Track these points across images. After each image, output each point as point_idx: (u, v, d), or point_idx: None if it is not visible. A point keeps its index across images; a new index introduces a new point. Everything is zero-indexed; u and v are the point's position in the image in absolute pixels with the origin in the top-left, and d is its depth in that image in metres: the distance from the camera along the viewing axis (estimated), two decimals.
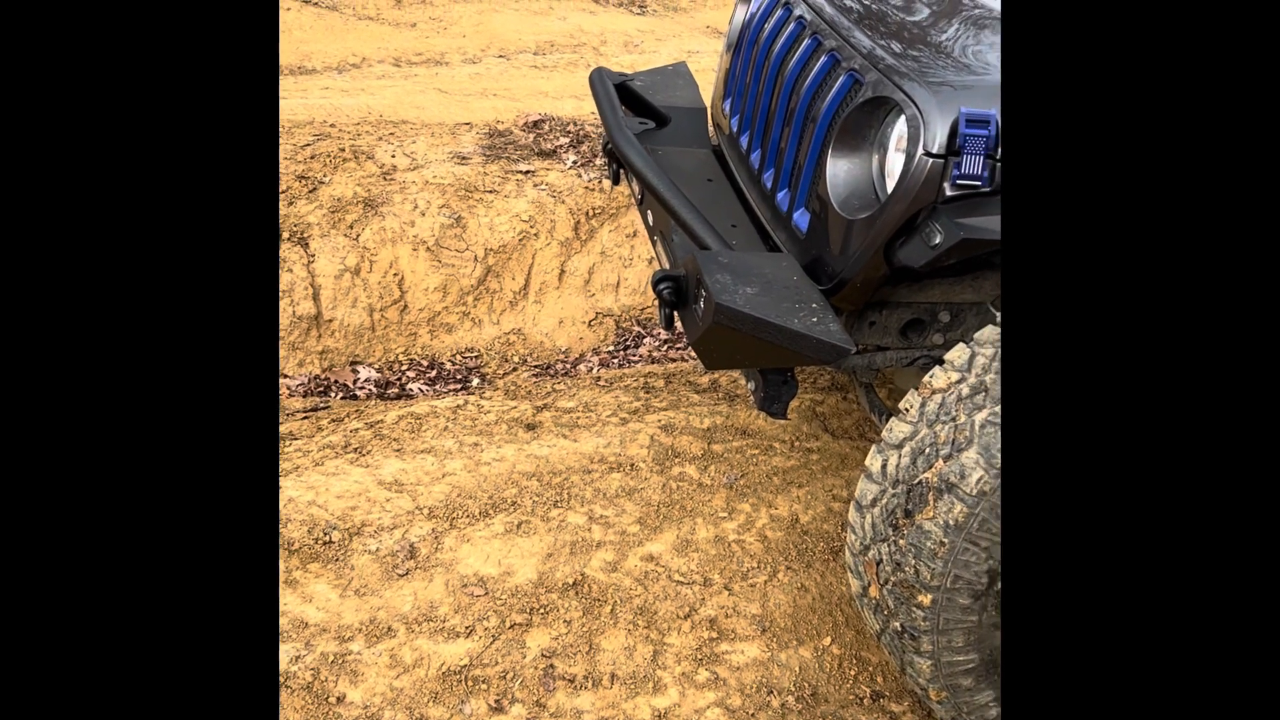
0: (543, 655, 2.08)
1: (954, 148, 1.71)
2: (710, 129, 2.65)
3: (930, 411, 1.80)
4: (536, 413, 2.82)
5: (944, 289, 2.05)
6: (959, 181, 1.72)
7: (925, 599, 1.77)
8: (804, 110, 2.05)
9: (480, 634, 2.12)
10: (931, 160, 1.73)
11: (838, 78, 1.96)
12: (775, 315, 1.75)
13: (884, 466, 1.84)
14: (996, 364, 1.77)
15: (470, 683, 2.02)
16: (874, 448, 1.88)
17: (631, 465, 2.60)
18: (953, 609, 1.78)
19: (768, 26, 2.30)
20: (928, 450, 1.78)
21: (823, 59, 2.03)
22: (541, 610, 2.17)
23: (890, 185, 1.81)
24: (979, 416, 1.74)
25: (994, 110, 1.70)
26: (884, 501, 1.83)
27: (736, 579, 2.30)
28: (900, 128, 1.82)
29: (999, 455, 1.69)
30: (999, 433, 1.70)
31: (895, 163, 1.82)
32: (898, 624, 1.84)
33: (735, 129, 2.43)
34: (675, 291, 1.92)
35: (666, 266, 2.17)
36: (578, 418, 2.79)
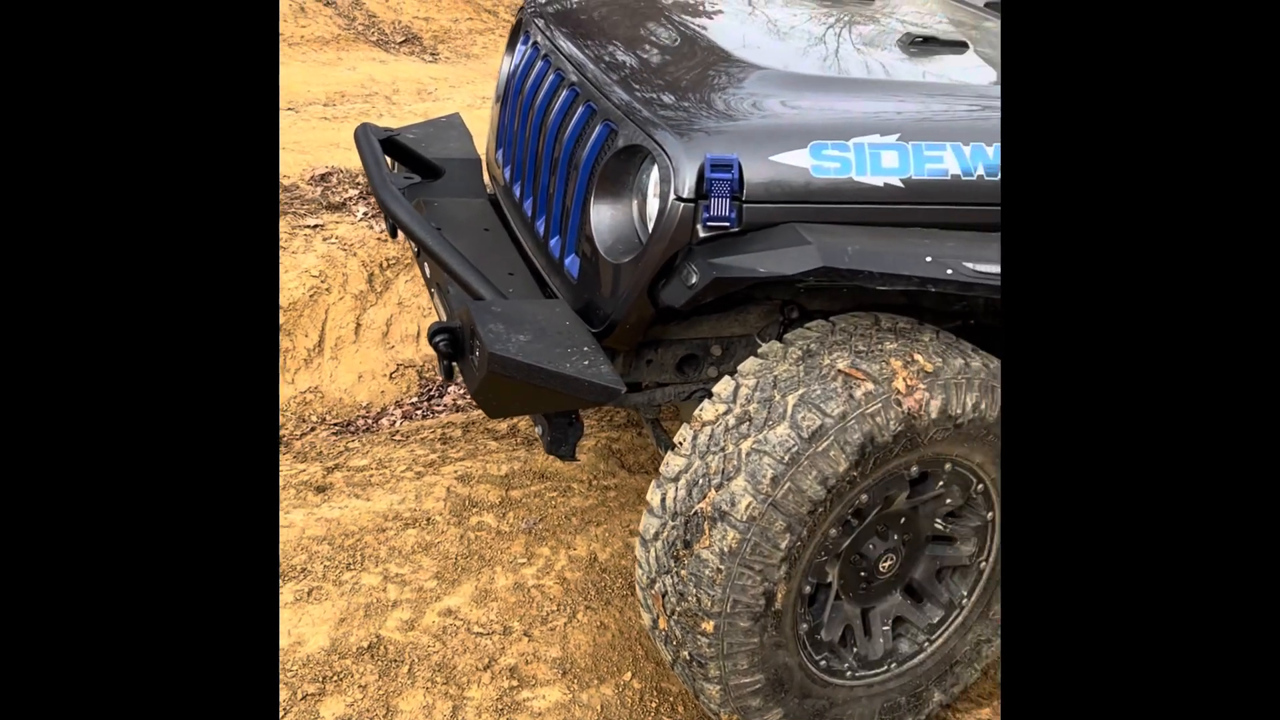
0: None
1: (703, 191, 1.80)
2: (486, 179, 2.67)
3: (701, 443, 1.87)
4: (327, 474, 2.74)
5: (713, 324, 2.13)
6: (709, 223, 1.80)
7: (708, 626, 1.83)
8: (567, 158, 2.11)
9: None
10: (683, 205, 1.80)
11: (595, 127, 2.02)
12: (547, 361, 1.78)
13: (663, 500, 1.90)
14: (759, 394, 1.86)
15: None
16: (654, 482, 1.94)
17: (428, 519, 2.56)
18: (735, 633, 1.84)
19: (530, 77, 2.35)
20: (701, 481, 1.84)
21: (580, 109, 2.09)
22: (335, 678, 2.11)
23: (650, 229, 1.88)
24: (745, 445, 1.82)
25: (737, 155, 1.80)
26: (665, 534, 1.88)
27: (536, 624, 2.30)
28: (654, 174, 1.90)
29: (765, 481, 1.77)
30: (764, 459, 1.78)
31: (652, 207, 1.89)
32: (686, 653, 1.89)
33: (508, 178, 2.46)
34: (452, 343, 1.92)
35: (443, 318, 2.17)
36: (371, 475, 2.73)
